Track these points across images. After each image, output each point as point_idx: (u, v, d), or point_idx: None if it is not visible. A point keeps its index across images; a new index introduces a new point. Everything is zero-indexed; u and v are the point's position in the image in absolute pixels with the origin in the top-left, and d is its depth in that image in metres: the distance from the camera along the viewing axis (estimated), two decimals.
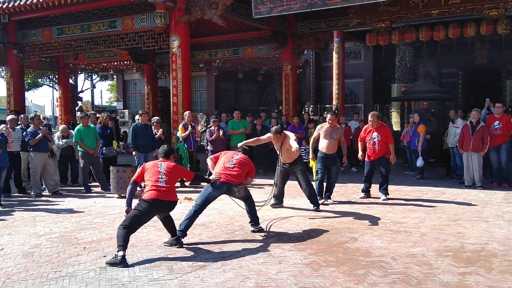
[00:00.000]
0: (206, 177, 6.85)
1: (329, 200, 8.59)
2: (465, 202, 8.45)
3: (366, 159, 9.10)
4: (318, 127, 8.84)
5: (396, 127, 19.78)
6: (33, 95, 52.66)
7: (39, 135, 9.47)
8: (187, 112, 11.08)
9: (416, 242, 5.80)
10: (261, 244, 5.82)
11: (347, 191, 9.87)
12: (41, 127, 9.72)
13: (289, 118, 15.02)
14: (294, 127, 12.92)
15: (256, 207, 6.55)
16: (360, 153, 9.28)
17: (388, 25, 14.96)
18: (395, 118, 20.84)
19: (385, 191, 8.93)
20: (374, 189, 9.15)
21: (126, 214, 5.37)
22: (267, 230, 6.54)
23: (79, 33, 14.19)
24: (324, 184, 8.68)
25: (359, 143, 9.28)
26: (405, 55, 20.86)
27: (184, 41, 12.30)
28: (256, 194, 8.93)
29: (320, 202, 8.20)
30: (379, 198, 8.85)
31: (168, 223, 5.71)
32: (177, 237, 5.70)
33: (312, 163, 8.76)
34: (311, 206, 7.96)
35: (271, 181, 11.07)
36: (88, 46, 14.95)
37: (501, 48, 18.71)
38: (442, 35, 16.39)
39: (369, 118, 8.95)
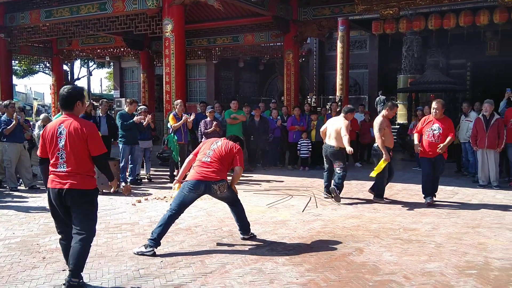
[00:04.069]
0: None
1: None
2: (481, 205, 7.61)
3: (423, 155, 7.76)
4: (381, 123, 7.65)
5: (401, 120, 19.02)
6: (33, 82, 51.91)
7: (13, 123, 8.64)
8: (178, 101, 10.20)
9: (431, 255, 4.97)
10: (250, 255, 4.97)
11: (350, 189, 9.03)
12: (18, 116, 8.89)
13: (290, 109, 14.20)
14: (295, 118, 12.11)
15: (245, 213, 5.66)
16: (416, 142, 7.85)
17: (396, 12, 13.99)
18: (400, 110, 20.02)
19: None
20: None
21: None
22: (257, 238, 5.72)
23: (67, 16, 13.48)
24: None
25: (415, 135, 7.95)
26: (413, 45, 19.96)
27: (178, 25, 11.55)
28: (253, 193, 8.13)
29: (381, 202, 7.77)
30: (384, 198, 8.03)
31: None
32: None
33: (383, 165, 7.56)
34: (312, 208, 7.19)
35: (271, 177, 10.37)
36: (77, 30, 14.15)
37: None
38: (452, 23, 15.55)
39: (433, 106, 7.64)
